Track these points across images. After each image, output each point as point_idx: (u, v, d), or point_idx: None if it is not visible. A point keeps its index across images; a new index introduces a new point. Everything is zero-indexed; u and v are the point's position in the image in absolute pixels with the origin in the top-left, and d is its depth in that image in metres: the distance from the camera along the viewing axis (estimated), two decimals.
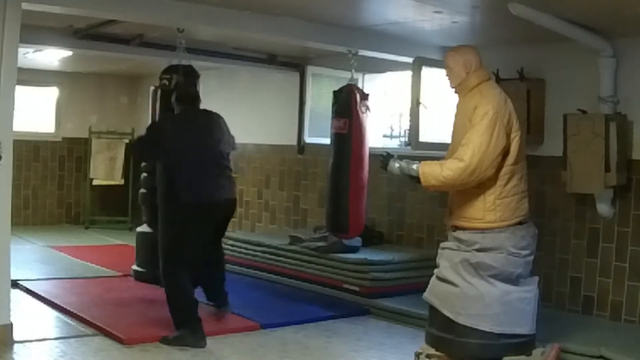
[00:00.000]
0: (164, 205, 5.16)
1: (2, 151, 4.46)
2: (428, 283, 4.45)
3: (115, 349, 4.77)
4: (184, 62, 5.58)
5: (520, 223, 4.25)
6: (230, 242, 7.61)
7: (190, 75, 5.10)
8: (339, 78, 7.06)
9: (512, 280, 4.25)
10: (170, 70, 5.13)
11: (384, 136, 7.78)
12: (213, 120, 5.34)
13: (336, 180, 5.89)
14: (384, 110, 7.70)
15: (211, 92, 8.44)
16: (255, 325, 5.42)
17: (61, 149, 10.66)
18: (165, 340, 4.89)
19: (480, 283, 4.19)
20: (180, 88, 5.35)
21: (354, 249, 6.51)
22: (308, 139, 8.14)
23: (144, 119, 10.34)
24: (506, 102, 4.25)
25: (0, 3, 4.41)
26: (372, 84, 7.70)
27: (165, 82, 5.12)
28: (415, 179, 4.32)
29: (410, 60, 6.02)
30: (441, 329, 4.30)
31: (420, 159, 4.45)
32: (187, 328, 4.91)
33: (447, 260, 4.32)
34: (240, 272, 7.33)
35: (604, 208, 5.51)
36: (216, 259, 5.59)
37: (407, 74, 6.40)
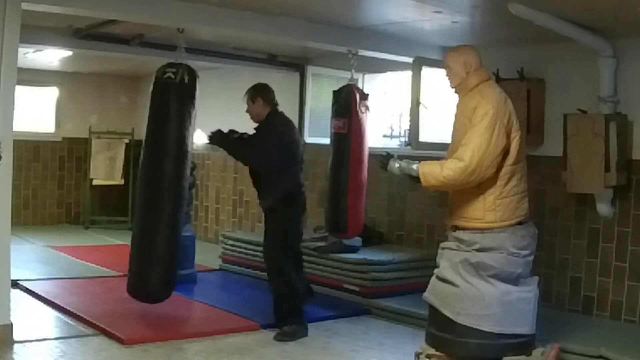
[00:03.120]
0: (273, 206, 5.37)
1: (2, 151, 4.46)
2: (428, 283, 4.45)
3: (115, 349, 4.77)
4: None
5: (520, 223, 4.25)
6: (230, 242, 7.62)
7: (194, 74, 5.13)
8: (339, 78, 7.06)
9: (512, 280, 4.25)
10: (175, 65, 5.12)
11: (384, 136, 7.78)
12: (295, 126, 5.68)
13: (336, 180, 5.90)
14: (384, 110, 7.70)
15: (211, 92, 8.46)
16: (255, 325, 5.42)
17: (61, 149, 10.66)
18: (282, 337, 5.15)
19: (480, 283, 4.19)
20: (266, 90, 5.51)
21: (354, 249, 6.51)
22: (308, 139, 8.12)
23: (144, 119, 10.34)
24: (506, 102, 4.25)
25: (0, 3, 4.41)
26: (372, 84, 7.70)
27: (171, 75, 5.06)
28: (415, 179, 4.31)
29: (410, 60, 6.02)
30: (441, 329, 4.30)
31: (420, 159, 4.45)
32: (299, 323, 5.25)
33: (447, 260, 4.32)
34: (241, 272, 7.33)
35: (604, 208, 5.51)
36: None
37: (407, 74, 6.40)
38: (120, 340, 4.87)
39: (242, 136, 5.45)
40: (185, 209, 5.44)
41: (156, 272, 5.05)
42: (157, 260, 5.03)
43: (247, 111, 5.46)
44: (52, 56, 8.31)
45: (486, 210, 4.20)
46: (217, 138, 5.36)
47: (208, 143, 5.40)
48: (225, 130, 5.40)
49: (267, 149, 5.26)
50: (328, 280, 6.47)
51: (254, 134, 5.43)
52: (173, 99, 5.04)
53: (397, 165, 4.42)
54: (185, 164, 5.14)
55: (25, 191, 10.17)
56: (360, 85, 7.15)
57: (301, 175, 5.52)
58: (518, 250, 4.23)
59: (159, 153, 5.07)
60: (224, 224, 9.36)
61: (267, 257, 5.46)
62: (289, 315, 5.27)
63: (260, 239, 7.36)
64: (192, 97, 5.09)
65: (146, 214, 5.10)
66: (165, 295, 5.18)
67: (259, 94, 5.44)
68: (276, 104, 5.48)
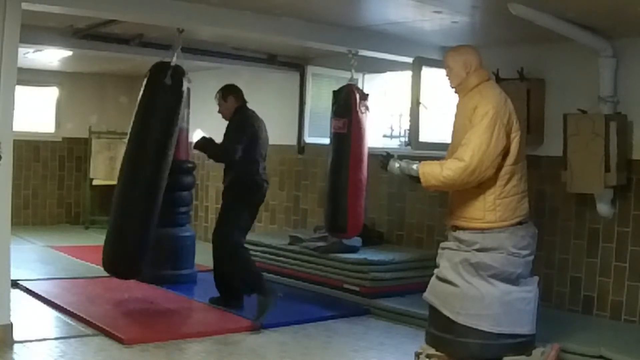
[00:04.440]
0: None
1: (2, 151, 4.46)
2: (428, 283, 4.45)
3: (115, 349, 4.77)
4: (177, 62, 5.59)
5: (520, 223, 4.25)
6: None
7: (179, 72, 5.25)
8: (339, 78, 7.06)
9: (512, 280, 4.25)
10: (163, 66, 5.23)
11: (384, 136, 7.78)
12: (261, 120, 5.98)
13: (335, 180, 5.89)
14: (384, 110, 7.70)
15: (211, 92, 8.45)
16: (255, 325, 5.42)
17: (61, 149, 10.65)
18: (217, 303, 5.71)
19: (480, 283, 4.19)
20: (235, 88, 5.98)
21: (354, 249, 6.51)
22: (308, 139, 8.14)
23: None
24: (506, 102, 4.25)
25: (0, 3, 4.40)
26: (372, 84, 7.70)
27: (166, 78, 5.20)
28: (415, 179, 4.32)
29: (410, 60, 6.02)
30: (441, 329, 4.30)
31: (420, 159, 4.45)
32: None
33: (447, 260, 4.32)
34: None
35: (604, 208, 5.51)
36: None
37: (407, 74, 6.40)
38: (120, 340, 4.86)
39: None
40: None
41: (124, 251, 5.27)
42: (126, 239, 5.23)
43: (219, 111, 5.90)
44: (52, 56, 8.30)
45: (486, 210, 4.20)
46: (200, 143, 5.77)
47: (194, 148, 5.86)
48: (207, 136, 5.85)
49: (229, 142, 5.68)
50: (328, 280, 6.48)
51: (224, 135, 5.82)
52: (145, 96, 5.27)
53: (397, 165, 4.43)
54: (164, 154, 5.26)
55: (25, 191, 10.16)
56: (360, 85, 7.15)
57: (262, 169, 5.83)
58: (518, 250, 4.23)
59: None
60: None
61: (219, 241, 5.80)
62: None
63: (259, 239, 7.42)
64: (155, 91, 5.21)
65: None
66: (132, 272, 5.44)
67: (230, 92, 5.92)
68: (245, 101, 5.92)
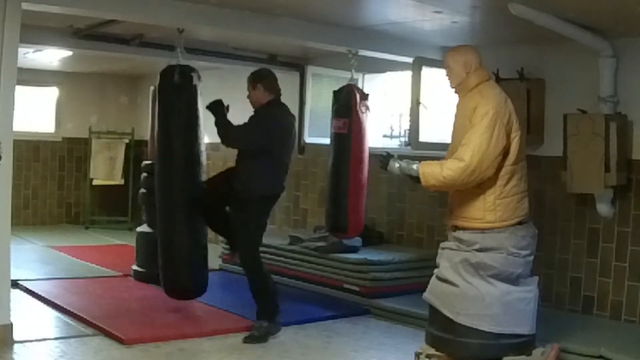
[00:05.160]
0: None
1: (2, 151, 4.46)
2: (428, 283, 4.45)
3: (115, 349, 4.77)
4: (183, 62, 5.58)
5: (520, 223, 4.25)
6: None
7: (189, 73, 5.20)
8: (339, 78, 7.06)
9: (512, 280, 4.25)
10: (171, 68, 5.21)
11: (384, 136, 7.78)
12: (292, 122, 5.36)
13: (336, 180, 5.90)
14: (384, 110, 7.70)
15: (211, 92, 8.45)
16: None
17: (61, 149, 10.66)
18: (251, 341, 5.04)
19: (480, 283, 4.19)
20: (265, 75, 5.34)
21: (354, 249, 6.51)
22: (308, 139, 8.13)
23: (144, 119, 10.31)
24: (506, 102, 4.25)
25: (0, 3, 4.41)
26: (372, 84, 7.70)
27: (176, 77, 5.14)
28: (416, 179, 4.32)
29: (410, 60, 6.02)
30: (441, 329, 4.30)
31: (420, 159, 4.45)
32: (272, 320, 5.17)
33: (447, 260, 4.32)
34: (240, 272, 7.30)
35: (604, 208, 5.51)
36: None
37: (407, 74, 6.40)
38: (120, 340, 4.87)
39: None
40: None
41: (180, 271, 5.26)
42: (177, 260, 5.24)
43: (248, 97, 5.33)
44: (52, 56, 8.30)
45: (486, 210, 4.20)
46: (214, 106, 5.24)
47: (206, 107, 5.28)
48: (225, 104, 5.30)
49: (242, 129, 5.13)
50: (328, 280, 6.48)
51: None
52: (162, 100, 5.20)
53: (397, 165, 4.43)
54: (194, 163, 5.27)
55: (25, 191, 10.16)
56: (360, 85, 7.15)
57: (284, 176, 5.32)
58: (518, 250, 4.23)
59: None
60: None
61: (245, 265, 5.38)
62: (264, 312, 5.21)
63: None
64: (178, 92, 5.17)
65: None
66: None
67: (259, 80, 5.26)
68: (279, 93, 5.26)
